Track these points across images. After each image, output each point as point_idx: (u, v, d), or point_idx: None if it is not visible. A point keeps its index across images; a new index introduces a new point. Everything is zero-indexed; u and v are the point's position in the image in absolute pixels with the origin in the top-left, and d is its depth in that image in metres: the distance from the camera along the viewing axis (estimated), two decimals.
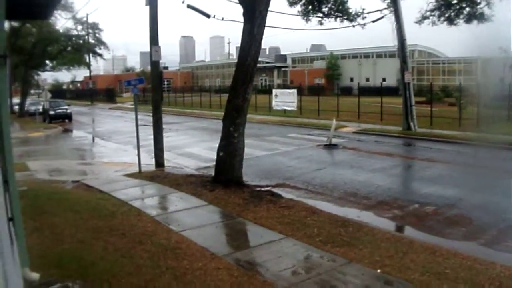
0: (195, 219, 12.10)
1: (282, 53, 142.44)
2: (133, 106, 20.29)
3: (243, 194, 14.55)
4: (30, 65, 60.64)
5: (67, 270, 8.24)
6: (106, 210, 12.72)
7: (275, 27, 54.09)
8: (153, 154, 20.74)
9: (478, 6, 27.47)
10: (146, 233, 10.68)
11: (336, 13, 20.02)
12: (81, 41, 63.63)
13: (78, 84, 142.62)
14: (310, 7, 20.19)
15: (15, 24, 49.01)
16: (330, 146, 25.74)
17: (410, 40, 32.91)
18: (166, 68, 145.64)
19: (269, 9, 16.01)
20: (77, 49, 63.87)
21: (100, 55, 67.81)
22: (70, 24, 60.29)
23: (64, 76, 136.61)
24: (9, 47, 48.39)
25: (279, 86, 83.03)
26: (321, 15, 20.26)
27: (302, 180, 17.80)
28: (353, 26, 22.33)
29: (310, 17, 20.72)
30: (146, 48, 20.45)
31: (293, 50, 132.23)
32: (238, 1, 16.07)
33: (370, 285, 8.04)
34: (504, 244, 10.92)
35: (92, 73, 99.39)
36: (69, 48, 63.18)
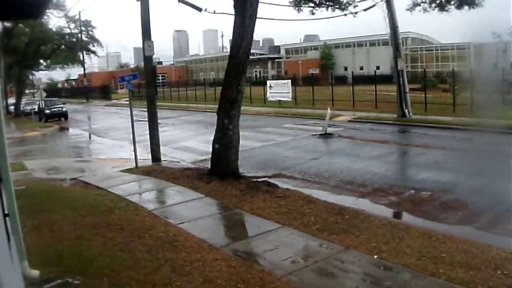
0: (192, 212, 12.17)
1: (276, 44, 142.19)
2: (128, 102, 20.30)
3: (240, 185, 14.61)
4: (24, 65, 60.49)
5: (67, 266, 8.29)
6: (103, 206, 12.77)
7: (267, 19, 54.26)
8: (149, 149, 20.78)
9: None
10: (144, 227, 10.74)
11: (328, 2, 20.03)
12: (74, 39, 63.44)
13: (73, 82, 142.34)
14: None
15: (7, 24, 48.86)
16: (325, 135, 25.77)
17: (402, 28, 32.94)
18: (160, 63, 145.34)
19: (260, 0, 16.03)
20: (71, 48, 63.70)
21: (93, 52, 67.62)
22: (62, 22, 60.19)
23: (59, 74, 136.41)
24: (2, 48, 48.32)
25: (273, 78, 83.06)
26: (312, 4, 20.25)
27: (298, 169, 17.87)
28: (345, 15, 22.38)
29: (301, 7, 20.74)
30: (140, 43, 20.45)
31: (287, 41, 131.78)
32: None
33: (367, 271, 8.12)
34: (500, 227, 11.02)
35: (86, 71, 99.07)
36: (63, 47, 63.02)
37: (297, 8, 20.87)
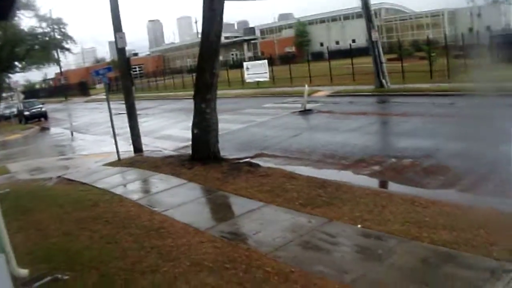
0: (176, 198, 12.19)
1: (251, 26, 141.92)
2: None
3: (222, 168, 14.66)
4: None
5: (55, 262, 8.32)
6: (88, 201, 12.78)
7: (235, 0, 53.94)
8: (131, 141, 20.76)
9: None
10: (130, 217, 10.77)
11: None
12: (47, 38, 62.95)
13: (51, 82, 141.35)
14: None
15: None
16: (305, 112, 25.84)
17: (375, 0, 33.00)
18: (136, 54, 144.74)
19: None
20: (44, 47, 63.05)
21: (68, 49, 66.84)
22: (34, 22, 59.68)
23: (36, 75, 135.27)
24: None
25: (250, 59, 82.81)
26: None
27: (279, 148, 17.93)
28: None
29: None
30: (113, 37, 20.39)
31: (261, 22, 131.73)
32: None
33: (351, 240, 8.19)
34: (482, 188, 11.10)
35: (63, 69, 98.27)
36: (37, 47, 62.48)
37: None
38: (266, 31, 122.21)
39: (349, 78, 39.85)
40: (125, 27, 20.01)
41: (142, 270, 7.68)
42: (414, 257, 7.17)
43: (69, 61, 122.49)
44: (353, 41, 79.67)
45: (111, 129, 19.47)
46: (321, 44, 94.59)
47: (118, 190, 13.84)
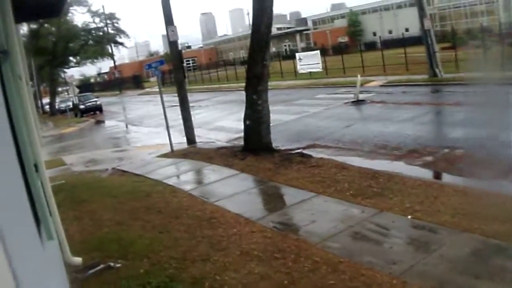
0: (228, 189, 12.33)
1: (303, 16, 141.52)
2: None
3: (274, 158, 14.74)
4: (55, 64, 61.32)
5: (108, 251, 8.52)
6: (142, 192, 13.00)
7: None
8: (184, 133, 20.99)
9: None
10: (182, 208, 10.94)
11: None
12: (100, 33, 63.96)
13: (105, 76, 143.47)
14: None
15: (33, 26, 49.56)
16: (357, 102, 25.72)
17: None
18: (189, 47, 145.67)
19: None
20: (98, 41, 64.26)
21: (121, 44, 68.10)
22: (87, 18, 60.81)
23: (90, 69, 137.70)
24: (31, 49, 48.98)
25: (302, 50, 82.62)
26: None
27: (332, 138, 17.91)
28: None
29: None
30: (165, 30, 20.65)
31: (314, 12, 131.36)
32: None
33: (401, 231, 8.18)
34: None
35: (117, 63, 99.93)
36: (90, 42, 63.62)
37: None
38: (319, 21, 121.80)
39: (402, 67, 39.39)
40: (177, 21, 20.29)
41: (192, 259, 7.82)
42: (464, 248, 7.13)
43: (122, 55, 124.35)
44: (406, 30, 78.55)
45: (164, 121, 19.71)
46: (374, 34, 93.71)
47: (171, 181, 14.04)
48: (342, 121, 21.13)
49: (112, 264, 7.95)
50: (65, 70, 74.56)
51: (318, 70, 46.55)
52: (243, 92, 16.84)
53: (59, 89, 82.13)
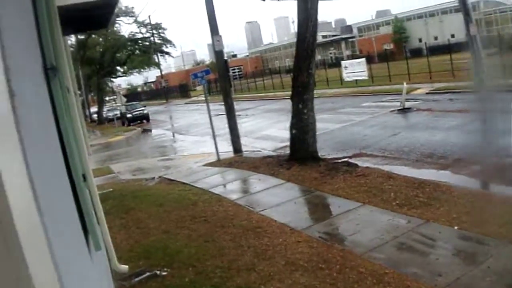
0: (274, 198, 12.36)
1: (348, 23, 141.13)
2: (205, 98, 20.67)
3: (319, 168, 14.70)
4: (102, 73, 62.38)
5: (154, 259, 8.64)
6: (188, 200, 13.12)
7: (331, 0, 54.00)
8: (230, 141, 21.10)
9: None
10: (228, 217, 11.00)
11: None
12: (147, 43, 64.81)
13: (152, 85, 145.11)
14: None
15: (81, 37, 50.47)
16: (403, 110, 25.53)
17: None
18: (234, 56, 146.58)
19: None
20: (145, 51, 65.19)
21: (167, 53, 68.98)
22: (134, 28, 61.67)
23: (137, 79, 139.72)
24: (79, 59, 49.93)
25: (348, 58, 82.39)
26: None
27: (378, 147, 17.79)
28: None
29: None
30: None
31: (359, 20, 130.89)
32: None
33: (447, 242, 8.10)
34: None
35: (163, 72, 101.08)
36: (137, 52, 64.55)
37: None
38: (364, 28, 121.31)
39: (448, 74, 38.93)
40: (223, 29, 20.40)
41: (238, 268, 7.87)
42: None
43: (169, 64, 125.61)
44: (452, 36, 77.63)
45: (210, 130, 19.84)
46: (420, 40, 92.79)
47: (217, 190, 14.11)
48: (388, 129, 20.99)
49: (158, 272, 8.06)
50: (113, 79, 75.80)
51: (363, 78, 46.33)
52: (289, 101, 16.86)
53: (107, 98, 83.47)
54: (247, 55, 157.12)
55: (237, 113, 22.26)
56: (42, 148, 2.61)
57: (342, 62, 53.05)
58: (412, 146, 17.00)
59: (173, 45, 67.77)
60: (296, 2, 16.02)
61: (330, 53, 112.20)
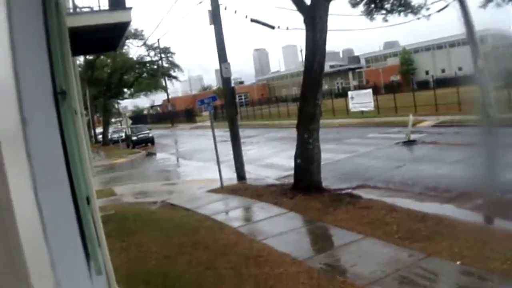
0: (276, 227, 12.33)
1: (356, 54, 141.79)
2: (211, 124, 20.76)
3: (323, 198, 14.69)
4: (109, 94, 62.77)
5: (154, 285, 8.62)
6: (190, 226, 13.11)
7: (340, 30, 54.66)
8: (234, 168, 21.13)
9: None
10: (229, 245, 10.98)
11: (399, 8, 19.91)
12: (155, 66, 65.18)
13: (158, 108, 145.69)
14: (372, 5, 20.16)
15: (89, 57, 50.88)
16: (409, 143, 25.53)
17: (481, 25, 32.23)
18: (242, 82, 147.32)
19: (331, 12, 16.14)
20: (152, 75, 65.62)
21: (175, 77, 69.28)
22: (142, 51, 61.96)
23: (144, 101, 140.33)
24: (86, 80, 50.31)
25: (355, 88, 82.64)
26: (384, 12, 20.18)
27: (381, 179, 17.79)
28: (418, 18, 22.06)
29: (374, 15, 20.65)
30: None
31: (367, 50, 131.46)
32: (297, 10, 16.27)
33: (449, 277, 8.07)
34: None
35: (170, 96, 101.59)
36: (145, 75, 64.95)
37: (369, 17, 20.82)
38: (371, 59, 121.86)
39: (455, 107, 39.02)
40: (231, 55, 20.55)
41: None
42: None
43: (176, 88, 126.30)
44: (459, 68, 77.80)
45: (215, 156, 19.88)
46: (427, 72, 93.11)
47: (220, 217, 14.12)
48: (392, 161, 21.00)
49: None
50: (119, 101, 76.15)
51: (370, 109, 46.44)
52: (295, 129, 16.91)
53: (113, 119, 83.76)
54: (254, 82, 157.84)
55: (242, 140, 22.35)
56: (49, 174, 2.64)
57: (349, 92, 53.21)
58: (416, 179, 16.98)
59: (181, 69, 68.23)
60: (304, 31, 16.14)
61: (337, 83, 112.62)
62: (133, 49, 70.88)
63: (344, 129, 38.72)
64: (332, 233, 11.66)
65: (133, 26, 53.76)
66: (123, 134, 55.81)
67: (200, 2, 22.50)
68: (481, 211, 12.80)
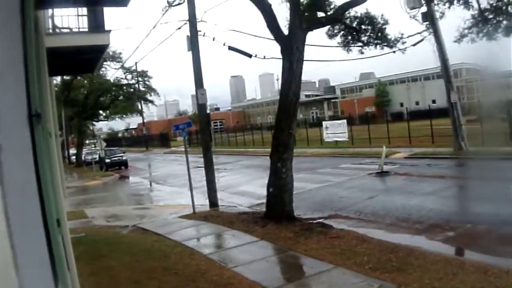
0: (246, 255, 12.31)
1: (332, 84, 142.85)
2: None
3: (294, 227, 14.69)
4: (84, 116, 62.61)
5: None
6: (160, 252, 13.05)
7: (316, 60, 55.14)
8: (207, 195, 21.10)
9: None
10: (199, 271, 10.93)
11: (376, 41, 20.14)
12: (131, 90, 65.16)
13: (133, 131, 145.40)
14: (349, 37, 20.39)
15: (66, 78, 50.79)
16: (381, 174, 25.69)
17: (456, 59, 32.74)
18: (217, 109, 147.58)
19: (309, 43, 16.27)
20: (129, 98, 65.56)
21: (151, 101, 69.26)
22: (119, 73, 61.87)
23: (119, 124, 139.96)
24: (62, 100, 50.13)
25: (330, 118, 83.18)
26: (360, 44, 20.41)
27: (354, 209, 17.85)
28: (394, 52, 22.34)
29: (350, 47, 20.88)
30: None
31: (343, 80, 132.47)
32: (275, 39, 16.41)
33: None
34: None
35: (146, 119, 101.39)
36: (121, 97, 64.83)
37: (346, 49, 21.04)
38: (347, 90, 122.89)
39: (427, 140, 39.51)
40: (208, 82, 20.68)
41: None
42: None
43: (152, 112, 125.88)
44: (433, 101, 78.75)
45: (188, 182, 19.85)
46: (401, 104, 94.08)
47: (191, 243, 14.05)
48: (365, 192, 21.10)
49: None
50: (94, 122, 75.96)
51: (344, 139, 46.73)
52: (268, 158, 16.95)
53: (87, 141, 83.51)
54: (230, 109, 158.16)
55: (215, 167, 22.39)
56: (21, 196, 2.64)
57: (324, 122, 53.52)
58: (388, 210, 17.08)
59: (157, 93, 68.20)
60: (281, 60, 16.26)
61: (312, 112, 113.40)
62: (111, 71, 71.08)
63: (318, 159, 38.93)
64: (302, 262, 11.64)
65: (112, 48, 53.69)
66: (97, 156, 55.60)
67: (179, 28, 22.49)
68: (451, 243, 12.89)
